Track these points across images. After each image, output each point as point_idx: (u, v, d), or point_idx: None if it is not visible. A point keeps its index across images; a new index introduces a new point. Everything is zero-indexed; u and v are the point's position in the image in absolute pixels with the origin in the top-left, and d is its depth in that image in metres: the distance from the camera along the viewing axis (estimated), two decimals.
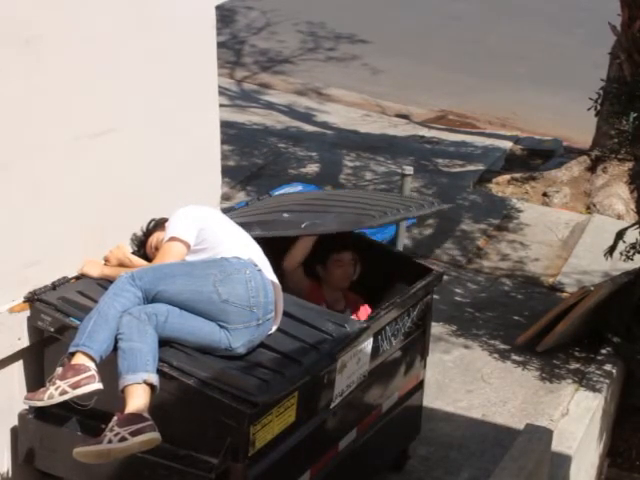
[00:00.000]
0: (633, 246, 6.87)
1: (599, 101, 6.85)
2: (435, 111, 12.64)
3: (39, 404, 3.95)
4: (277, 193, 6.52)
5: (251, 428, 3.92)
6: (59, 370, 3.93)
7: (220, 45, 5.90)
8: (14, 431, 4.40)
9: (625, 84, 6.86)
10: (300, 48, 14.22)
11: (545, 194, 9.93)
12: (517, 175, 10.38)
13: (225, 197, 7.83)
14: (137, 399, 3.82)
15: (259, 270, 4.29)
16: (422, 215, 5.54)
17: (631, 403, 7.12)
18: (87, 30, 4.38)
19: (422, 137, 11.42)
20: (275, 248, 4.93)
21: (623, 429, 7.12)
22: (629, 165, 8.74)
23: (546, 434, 5.28)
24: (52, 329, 4.25)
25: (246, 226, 4.75)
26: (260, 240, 4.59)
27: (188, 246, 4.38)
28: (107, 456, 3.79)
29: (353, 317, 5.09)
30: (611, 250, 6.97)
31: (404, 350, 5.05)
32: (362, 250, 5.21)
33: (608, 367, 6.80)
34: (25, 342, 4.33)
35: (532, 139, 11.61)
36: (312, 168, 9.78)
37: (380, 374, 4.85)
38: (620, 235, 6.99)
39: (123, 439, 3.75)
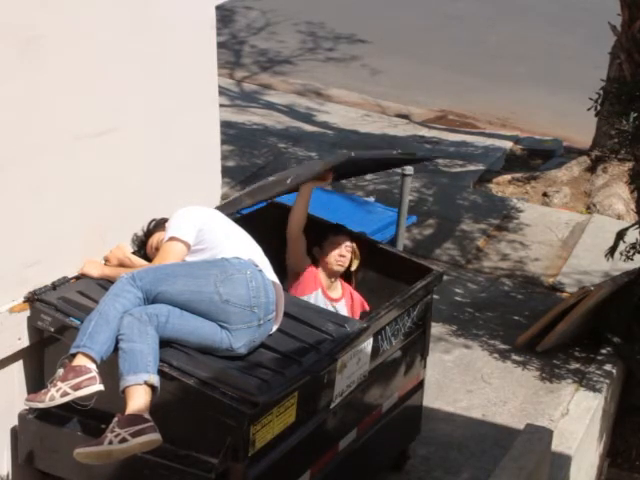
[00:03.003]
0: (633, 246, 6.87)
1: (599, 101, 6.85)
2: (435, 111, 12.64)
3: (40, 406, 3.95)
4: None
5: (251, 428, 3.92)
6: (60, 371, 3.93)
7: (220, 45, 5.90)
8: (14, 431, 4.40)
9: (625, 84, 6.86)
10: (300, 48, 14.22)
11: (545, 194, 9.93)
12: (517, 175, 10.39)
13: (225, 197, 7.80)
14: (138, 400, 3.82)
15: (260, 270, 4.29)
16: (407, 159, 5.51)
17: (631, 403, 7.13)
18: (87, 30, 4.38)
19: (422, 137, 11.43)
20: (275, 245, 4.94)
21: (623, 429, 7.13)
22: (629, 165, 8.74)
23: (546, 434, 5.28)
24: (52, 329, 4.25)
25: (235, 201, 4.76)
26: (260, 238, 4.60)
27: (188, 246, 4.38)
28: (108, 457, 3.79)
29: (348, 307, 5.11)
30: (612, 250, 6.97)
31: (404, 350, 5.05)
32: (362, 250, 5.21)
33: (608, 367, 6.80)
34: (25, 342, 4.33)
35: (532, 139, 11.62)
36: None
37: (380, 374, 4.85)
38: (620, 235, 6.99)
39: (124, 440, 3.75)
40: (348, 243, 5.14)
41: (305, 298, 4.97)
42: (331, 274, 5.13)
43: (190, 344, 4.09)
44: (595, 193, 9.84)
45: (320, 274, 5.11)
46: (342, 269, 5.13)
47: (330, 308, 5.00)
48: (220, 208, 4.89)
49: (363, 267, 5.29)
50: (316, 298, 5.03)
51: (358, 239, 5.22)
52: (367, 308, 5.22)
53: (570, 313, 6.88)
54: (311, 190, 4.99)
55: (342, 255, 5.10)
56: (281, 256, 5.04)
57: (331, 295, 5.11)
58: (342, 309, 5.08)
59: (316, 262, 5.14)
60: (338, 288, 5.18)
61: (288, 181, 4.78)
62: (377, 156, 5.30)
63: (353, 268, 5.21)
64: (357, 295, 5.24)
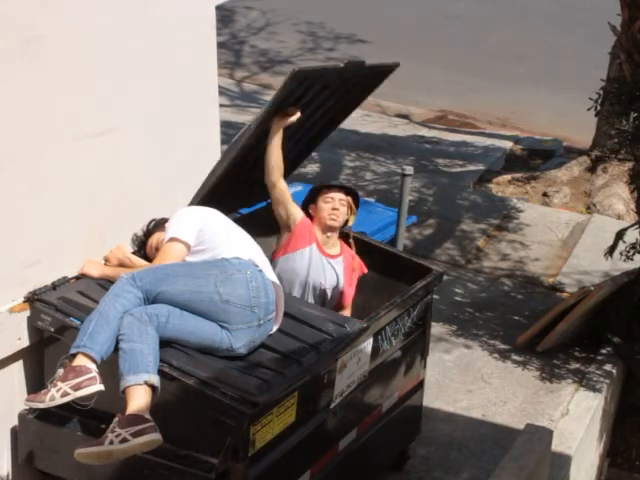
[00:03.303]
0: (633, 246, 6.87)
1: (599, 101, 6.85)
2: (435, 111, 12.65)
3: (41, 406, 3.95)
4: None
5: (251, 428, 3.91)
6: (60, 372, 3.93)
7: (220, 45, 5.90)
8: (14, 431, 4.40)
9: (625, 84, 6.86)
10: (300, 48, 14.23)
11: (545, 194, 9.94)
12: (517, 175, 10.40)
13: None
14: (138, 400, 3.82)
15: (260, 270, 4.29)
16: (362, 74, 5.25)
17: (631, 403, 7.13)
18: (87, 30, 4.38)
19: (422, 137, 11.44)
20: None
21: (623, 429, 7.13)
22: (629, 165, 8.75)
23: (546, 434, 5.28)
24: (52, 329, 4.25)
25: (211, 174, 4.76)
26: (260, 238, 4.59)
27: (188, 247, 4.37)
28: (108, 457, 3.78)
29: (346, 266, 5.03)
30: (611, 250, 6.97)
31: (404, 350, 5.05)
32: (362, 250, 5.21)
33: (608, 367, 6.81)
34: (25, 342, 4.33)
35: (532, 139, 11.63)
36: (312, 168, 9.78)
37: (380, 374, 4.85)
38: (620, 235, 6.99)
39: (124, 440, 3.74)
40: (342, 197, 5.00)
41: (299, 253, 4.88)
42: (326, 229, 4.98)
43: (190, 344, 4.09)
44: (595, 193, 9.85)
45: (315, 230, 4.98)
46: (337, 224, 4.98)
47: (326, 264, 4.93)
48: (203, 186, 4.85)
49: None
50: (310, 253, 4.91)
51: (353, 194, 5.10)
52: (365, 271, 5.16)
53: (570, 313, 6.88)
54: (280, 129, 4.80)
55: (335, 208, 4.96)
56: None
57: (327, 251, 4.98)
58: (339, 267, 4.97)
59: (312, 220, 5.01)
60: (336, 246, 5.05)
61: (252, 125, 4.70)
62: (324, 70, 5.08)
63: (350, 223, 5.08)
64: (357, 258, 5.12)
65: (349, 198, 5.04)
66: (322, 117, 5.30)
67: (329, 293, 4.97)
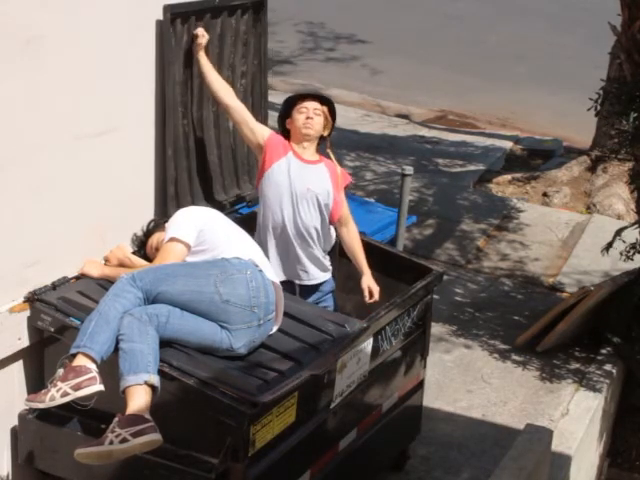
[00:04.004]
0: (633, 246, 6.87)
1: (599, 101, 6.85)
2: (435, 111, 12.66)
3: (41, 406, 3.95)
4: None
5: (251, 428, 3.91)
6: (60, 372, 3.93)
7: None
8: (14, 431, 4.40)
9: (625, 84, 6.86)
10: (300, 48, 14.23)
11: (545, 194, 9.94)
12: (517, 175, 10.40)
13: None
14: (138, 400, 3.82)
15: (260, 270, 4.29)
16: None
17: (631, 403, 7.12)
18: (87, 30, 4.38)
19: (422, 137, 11.44)
20: None
21: (623, 429, 7.13)
22: (629, 165, 8.74)
23: (546, 434, 5.28)
24: (52, 329, 4.25)
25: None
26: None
27: (188, 247, 4.37)
28: (108, 457, 3.79)
29: (331, 174, 4.95)
30: (608, 246, 6.96)
31: (404, 350, 5.05)
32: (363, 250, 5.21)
33: (608, 367, 6.80)
34: (25, 342, 4.33)
35: (532, 139, 11.64)
36: None
37: (380, 374, 4.85)
38: (619, 232, 6.98)
39: (124, 440, 3.74)
40: (317, 106, 4.95)
41: (276, 165, 4.84)
42: (301, 139, 4.92)
43: (190, 344, 4.09)
44: (595, 193, 9.85)
45: (292, 144, 4.93)
46: (312, 131, 4.92)
47: (308, 170, 4.88)
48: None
49: None
50: (288, 161, 4.86)
51: (329, 103, 5.04)
52: (350, 179, 5.14)
53: (570, 313, 6.88)
54: (201, 52, 4.89)
55: (309, 117, 4.91)
56: None
57: (306, 158, 4.91)
58: (322, 172, 4.92)
59: (289, 135, 4.97)
60: (315, 156, 4.98)
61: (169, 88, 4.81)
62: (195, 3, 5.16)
63: (325, 133, 5.02)
64: (340, 167, 5.05)
65: (324, 108, 4.99)
66: (245, 62, 5.42)
67: (321, 201, 4.89)
